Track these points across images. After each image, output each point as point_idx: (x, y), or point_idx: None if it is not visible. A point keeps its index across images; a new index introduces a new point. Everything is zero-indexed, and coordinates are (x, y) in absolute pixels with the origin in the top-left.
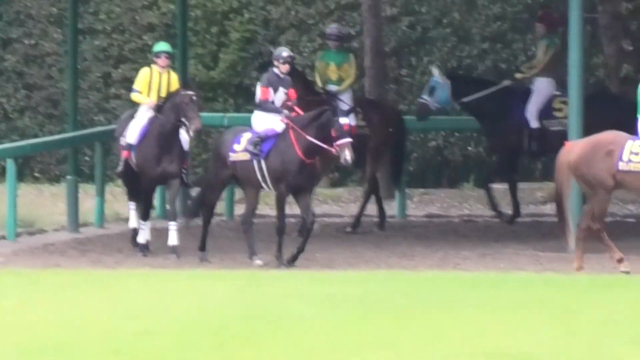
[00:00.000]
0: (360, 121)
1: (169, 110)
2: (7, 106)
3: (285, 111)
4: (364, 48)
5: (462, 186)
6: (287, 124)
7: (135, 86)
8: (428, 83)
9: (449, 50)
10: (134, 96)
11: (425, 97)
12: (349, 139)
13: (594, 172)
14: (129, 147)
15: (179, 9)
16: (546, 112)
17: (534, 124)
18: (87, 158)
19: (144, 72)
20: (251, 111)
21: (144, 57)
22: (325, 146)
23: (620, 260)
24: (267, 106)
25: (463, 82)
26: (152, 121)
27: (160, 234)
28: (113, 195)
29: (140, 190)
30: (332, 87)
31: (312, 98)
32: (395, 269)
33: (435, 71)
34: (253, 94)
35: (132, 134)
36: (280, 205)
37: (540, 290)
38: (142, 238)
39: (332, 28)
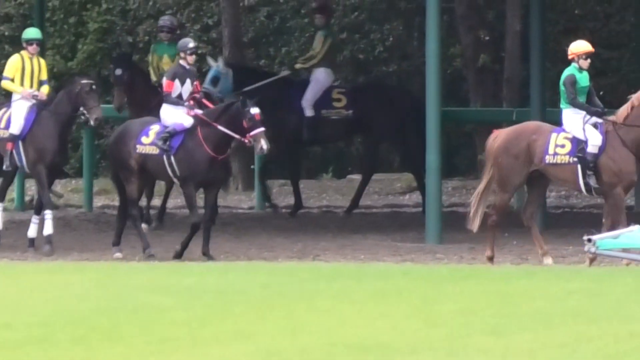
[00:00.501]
0: None
1: (65, 100)
2: None
3: (186, 104)
4: (223, 39)
5: (321, 177)
6: (196, 118)
7: (6, 74)
8: (210, 73)
9: (307, 41)
10: (6, 84)
11: (208, 87)
12: (262, 129)
13: (509, 164)
14: (13, 138)
15: None
16: (325, 102)
17: (309, 112)
18: None
19: (14, 59)
20: (109, 102)
21: (2, 48)
22: (237, 136)
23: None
24: (169, 99)
25: (244, 72)
26: (38, 109)
27: (18, 226)
28: None
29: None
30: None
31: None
32: (254, 260)
33: (219, 62)
34: (111, 85)
35: (15, 124)
36: (191, 201)
37: (400, 281)
38: (46, 230)
39: (164, 20)
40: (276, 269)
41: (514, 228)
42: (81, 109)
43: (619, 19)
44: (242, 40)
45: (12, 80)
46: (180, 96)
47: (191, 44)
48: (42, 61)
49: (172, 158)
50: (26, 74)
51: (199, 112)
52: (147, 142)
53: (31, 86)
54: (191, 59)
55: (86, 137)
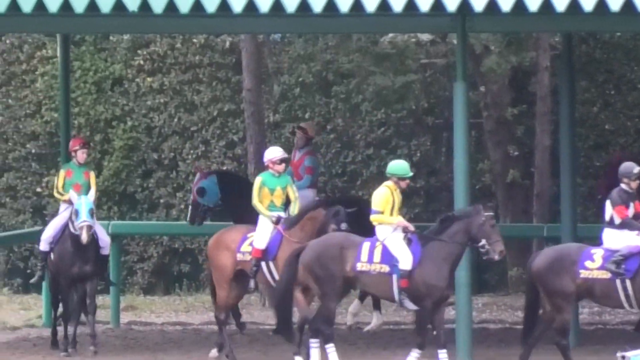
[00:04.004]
0: None
1: (463, 231)
2: None
3: None
4: (248, 155)
5: None
6: None
7: (377, 207)
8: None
9: (333, 156)
10: (378, 218)
11: None
12: None
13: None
14: (407, 274)
15: (62, 117)
16: None
17: None
18: None
19: (385, 193)
20: (135, 218)
21: (28, 165)
22: None
23: None
24: (632, 224)
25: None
26: (422, 241)
27: (46, 342)
28: None
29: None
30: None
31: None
32: None
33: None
34: (137, 201)
35: (405, 259)
36: None
37: None
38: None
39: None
40: None
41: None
42: (483, 241)
43: None
44: None
45: (382, 213)
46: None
47: (635, 170)
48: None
49: (627, 282)
50: (395, 207)
51: None
52: (594, 266)
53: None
54: (635, 184)
55: (112, 253)
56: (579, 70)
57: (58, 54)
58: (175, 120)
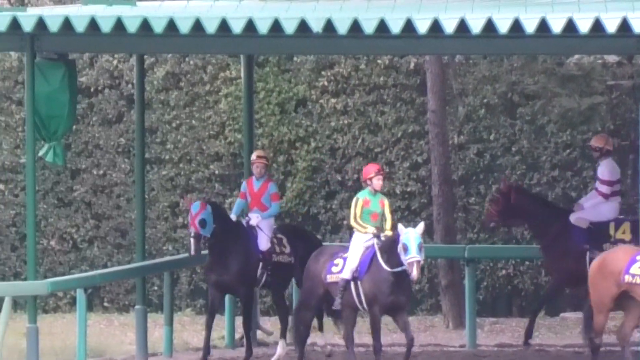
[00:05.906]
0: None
1: None
2: (76, 236)
3: None
4: (432, 176)
5: None
6: None
7: None
8: None
9: (518, 178)
10: None
11: None
12: None
13: None
14: None
15: (245, 138)
16: None
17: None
18: (155, 288)
19: None
20: (323, 240)
21: (212, 186)
22: None
23: None
24: None
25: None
26: None
27: None
28: (182, 324)
29: None
30: None
31: None
32: None
33: None
34: (321, 223)
35: None
36: None
37: None
38: None
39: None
40: None
41: None
42: None
43: None
44: (452, 178)
45: None
46: None
47: None
48: None
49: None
50: None
51: None
52: None
53: None
54: None
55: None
56: None
57: (242, 75)
58: (359, 141)
